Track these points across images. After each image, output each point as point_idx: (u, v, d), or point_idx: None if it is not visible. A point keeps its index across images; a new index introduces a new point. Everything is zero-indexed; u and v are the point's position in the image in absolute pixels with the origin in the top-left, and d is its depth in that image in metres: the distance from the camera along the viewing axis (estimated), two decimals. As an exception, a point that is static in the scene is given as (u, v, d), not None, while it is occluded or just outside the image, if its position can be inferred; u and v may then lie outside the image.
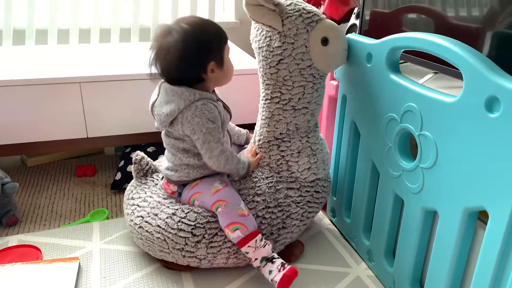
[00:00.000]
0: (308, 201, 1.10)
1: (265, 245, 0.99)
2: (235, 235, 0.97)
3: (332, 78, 1.23)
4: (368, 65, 1.01)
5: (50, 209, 1.32)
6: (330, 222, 1.29)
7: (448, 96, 0.78)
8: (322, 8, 1.72)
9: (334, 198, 1.26)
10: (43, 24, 1.77)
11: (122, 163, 1.46)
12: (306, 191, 1.09)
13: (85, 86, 1.31)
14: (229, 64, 1.04)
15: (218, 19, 2.04)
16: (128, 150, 1.50)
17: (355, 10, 1.58)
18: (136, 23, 1.89)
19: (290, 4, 1.00)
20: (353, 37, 1.08)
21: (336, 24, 1.05)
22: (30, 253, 1.10)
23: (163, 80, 1.03)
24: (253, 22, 1.06)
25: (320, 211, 1.34)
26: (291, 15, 0.99)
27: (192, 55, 0.96)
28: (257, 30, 1.05)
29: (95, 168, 1.56)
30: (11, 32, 1.73)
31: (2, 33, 1.73)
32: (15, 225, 1.23)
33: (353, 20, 1.58)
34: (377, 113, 0.99)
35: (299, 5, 1.00)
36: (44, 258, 1.09)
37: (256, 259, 0.98)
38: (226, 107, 1.08)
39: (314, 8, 1.03)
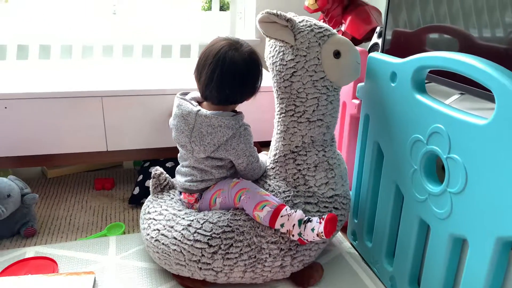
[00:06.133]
0: None
1: (296, 211, 1.00)
2: (264, 212, 0.98)
3: (354, 97, 1.21)
4: (392, 84, 0.99)
5: (68, 221, 1.32)
6: (350, 246, 1.25)
7: (479, 118, 0.75)
8: (344, 27, 1.71)
9: (355, 221, 1.23)
10: (68, 40, 1.81)
11: (140, 177, 1.45)
12: (325, 206, 1.07)
13: (107, 100, 1.33)
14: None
15: (238, 37, 2.05)
16: (147, 164, 1.50)
17: (377, 29, 1.57)
18: (158, 40, 1.92)
19: (302, 21, 1.04)
20: (376, 55, 1.06)
21: (348, 39, 1.05)
22: (46, 265, 1.09)
23: (198, 109, 1.02)
24: (267, 40, 1.09)
25: (341, 234, 1.30)
26: (303, 30, 1.03)
27: (255, 79, 1.05)
28: (271, 47, 1.09)
29: (114, 181, 1.57)
30: (37, 47, 1.77)
31: (28, 48, 1.77)
32: (32, 236, 1.23)
33: (375, 39, 1.57)
34: (402, 134, 0.96)
35: (310, 21, 1.05)
36: (60, 271, 1.08)
37: (294, 225, 0.98)
38: None
39: (325, 24, 1.06)
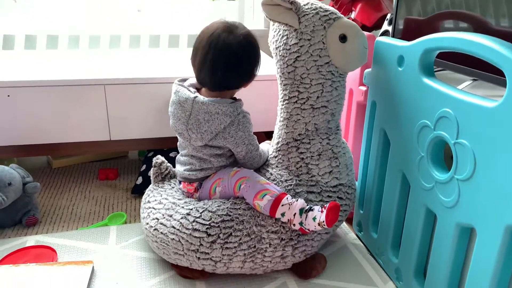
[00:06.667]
0: None
1: (297, 200, 0.97)
2: (265, 201, 0.95)
3: (361, 84, 1.16)
4: (400, 68, 0.95)
5: (70, 211, 1.32)
6: (356, 237, 1.21)
7: (488, 101, 0.71)
8: (354, 15, 1.67)
9: (361, 211, 1.19)
10: (75, 30, 1.81)
11: (144, 167, 1.44)
12: (328, 196, 1.04)
13: (109, 88, 1.31)
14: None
15: (247, 26, 2.02)
16: (150, 154, 1.48)
17: (388, 16, 1.52)
18: (165, 30, 1.90)
19: (307, 4, 1.00)
20: (383, 39, 1.02)
21: (355, 23, 1.01)
22: (46, 254, 1.08)
23: (195, 96, 0.99)
24: (271, 24, 1.05)
25: (346, 225, 1.26)
26: (307, 13, 0.98)
27: (250, 63, 1.00)
28: (275, 31, 1.05)
29: (118, 171, 1.55)
30: (45, 37, 1.77)
31: (37, 38, 1.77)
32: (34, 225, 1.23)
33: (385, 26, 1.52)
34: (409, 120, 0.92)
35: (316, 4, 1.00)
36: (59, 260, 1.07)
37: (295, 214, 0.95)
38: None
39: (331, 7, 1.01)
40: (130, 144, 1.45)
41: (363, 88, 1.15)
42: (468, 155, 0.74)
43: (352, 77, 1.21)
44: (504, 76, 0.67)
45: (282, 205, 0.95)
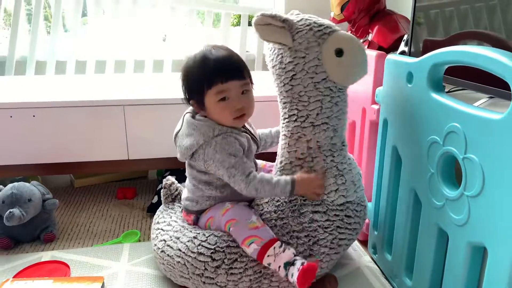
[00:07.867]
0: (338, 227, 1.00)
1: (284, 250, 0.92)
2: (251, 249, 0.92)
3: (374, 102, 1.15)
4: (409, 85, 0.94)
5: (87, 229, 1.34)
6: (371, 260, 1.17)
7: (494, 113, 0.69)
8: (371, 36, 1.67)
9: (376, 233, 1.15)
10: (102, 56, 1.90)
11: (160, 186, 1.46)
12: (335, 215, 1.00)
13: (128, 109, 1.35)
14: (216, 110, 0.98)
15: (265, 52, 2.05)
16: (167, 174, 1.51)
17: (405, 37, 1.51)
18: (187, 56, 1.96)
19: (300, 20, 0.97)
20: (393, 57, 1.01)
21: (351, 35, 0.98)
22: (59, 269, 1.10)
23: (186, 112, 1.06)
24: (266, 43, 1.04)
25: (361, 247, 1.23)
26: (301, 29, 0.95)
27: (183, 85, 1.02)
28: (270, 50, 1.03)
29: (136, 191, 1.58)
30: (74, 63, 1.87)
31: (66, 64, 1.87)
32: (51, 241, 1.26)
33: (402, 47, 1.51)
34: (419, 137, 0.90)
35: (310, 19, 0.97)
36: (72, 275, 1.09)
37: (279, 266, 0.91)
38: (254, 138, 1.07)
39: (326, 21, 0.98)
40: (148, 163, 1.47)
41: (376, 107, 1.14)
42: (476, 170, 0.72)
43: (365, 95, 1.20)
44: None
45: (268, 256, 0.92)
